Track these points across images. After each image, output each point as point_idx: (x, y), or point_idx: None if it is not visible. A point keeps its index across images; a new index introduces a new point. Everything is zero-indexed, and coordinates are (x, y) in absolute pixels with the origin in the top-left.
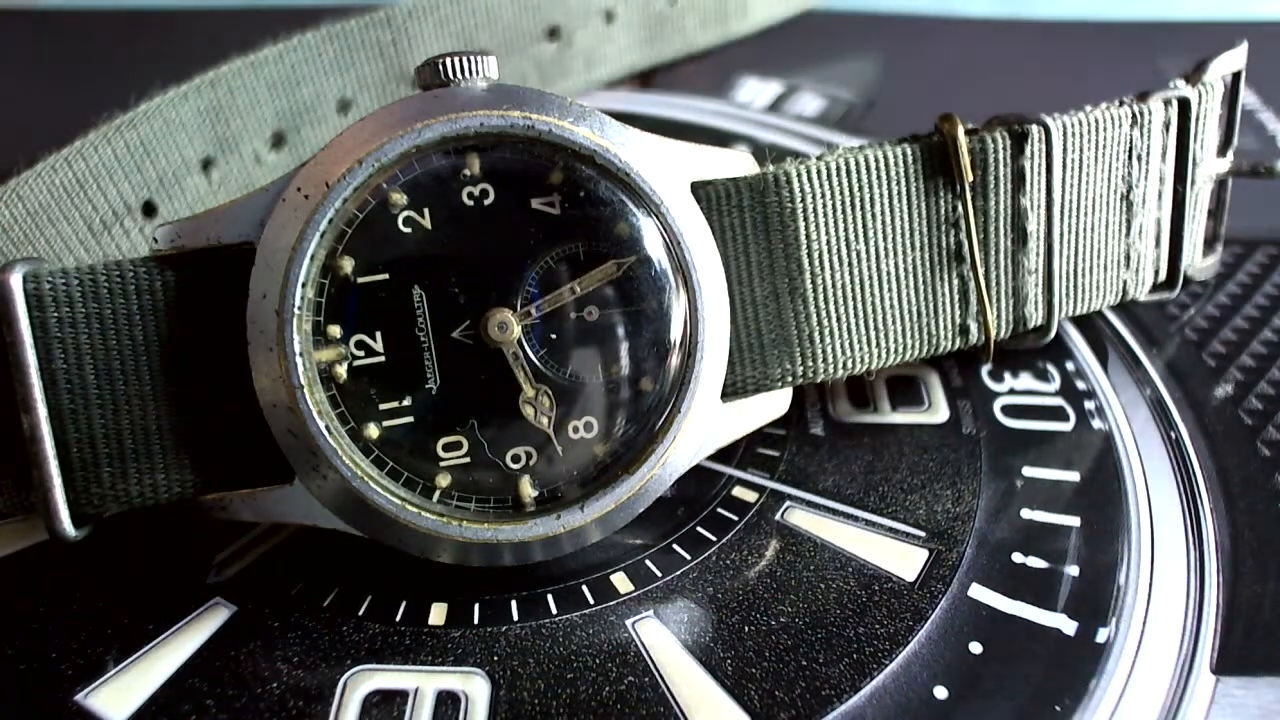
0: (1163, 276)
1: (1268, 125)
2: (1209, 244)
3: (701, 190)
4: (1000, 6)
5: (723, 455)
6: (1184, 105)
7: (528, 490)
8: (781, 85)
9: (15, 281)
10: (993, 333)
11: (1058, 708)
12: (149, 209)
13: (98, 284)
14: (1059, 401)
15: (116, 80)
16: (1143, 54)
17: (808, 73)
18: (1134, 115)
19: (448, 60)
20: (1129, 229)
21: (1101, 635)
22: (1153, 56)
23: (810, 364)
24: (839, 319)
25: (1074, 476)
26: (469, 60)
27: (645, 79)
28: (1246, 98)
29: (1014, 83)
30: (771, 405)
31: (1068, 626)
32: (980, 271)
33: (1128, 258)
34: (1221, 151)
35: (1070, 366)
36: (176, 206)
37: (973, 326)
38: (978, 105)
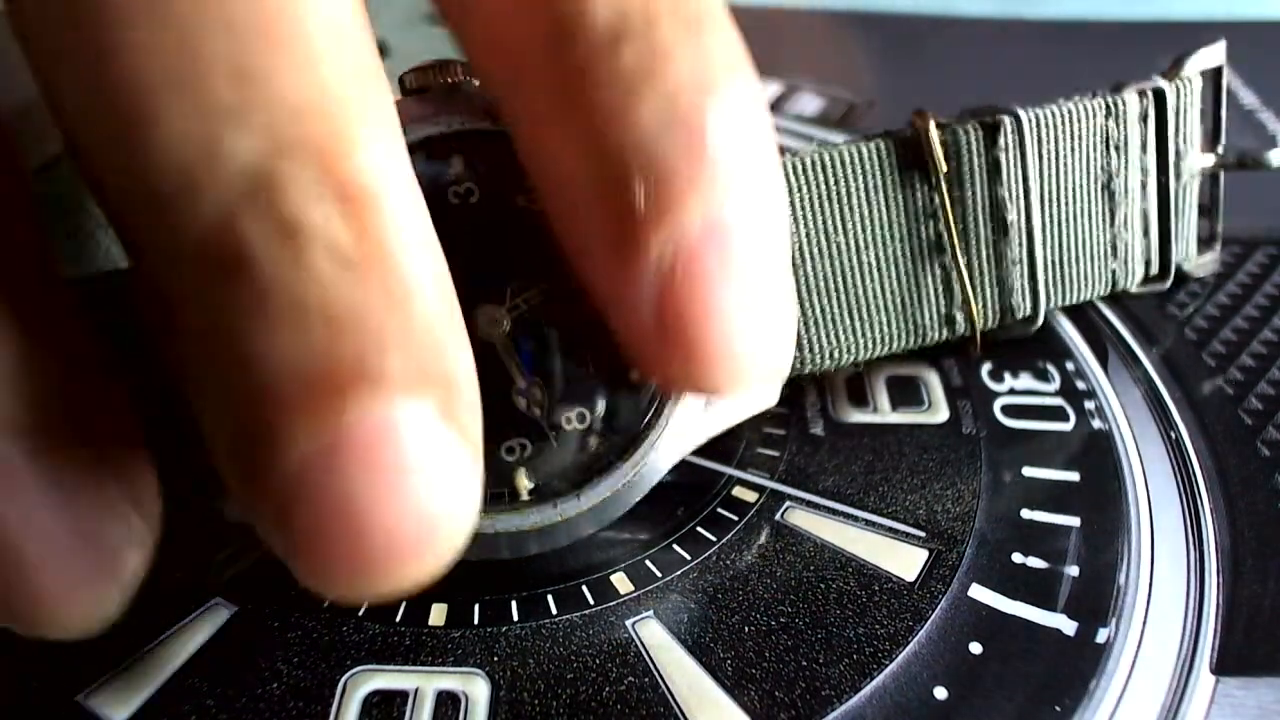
0: (1155, 269)
1: (1268, 125)
2: (1207, 241)
3: None
4: (1000, 6)
5: (723, 455)
6: (1159, 96)
7: (523, 481)
8: (781, 85)
9: None
10: (978, 322)
11: (1058, 708)
12: None
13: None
14: (1059, 401)
15: None
16: (1143, 54)
17: (808, 73)
18: (1108, 106)
19: (433, 65)
20: (1113, 219)
21: (1101, 635)
22: (1153, 56)
23: (798, 354)
24: (823, 310)
25: (1074, 476)
26: (455, 65)
27: None
28: (1246, 97)
29: (1014, 83)
30: (761, 395)
31: (1068, 626)
32: (962, 261)
33: (1114, 248)
34: (1210, 146)
35: (1070, 366)
36: None
37: (958, 316)
38: (978, 106)
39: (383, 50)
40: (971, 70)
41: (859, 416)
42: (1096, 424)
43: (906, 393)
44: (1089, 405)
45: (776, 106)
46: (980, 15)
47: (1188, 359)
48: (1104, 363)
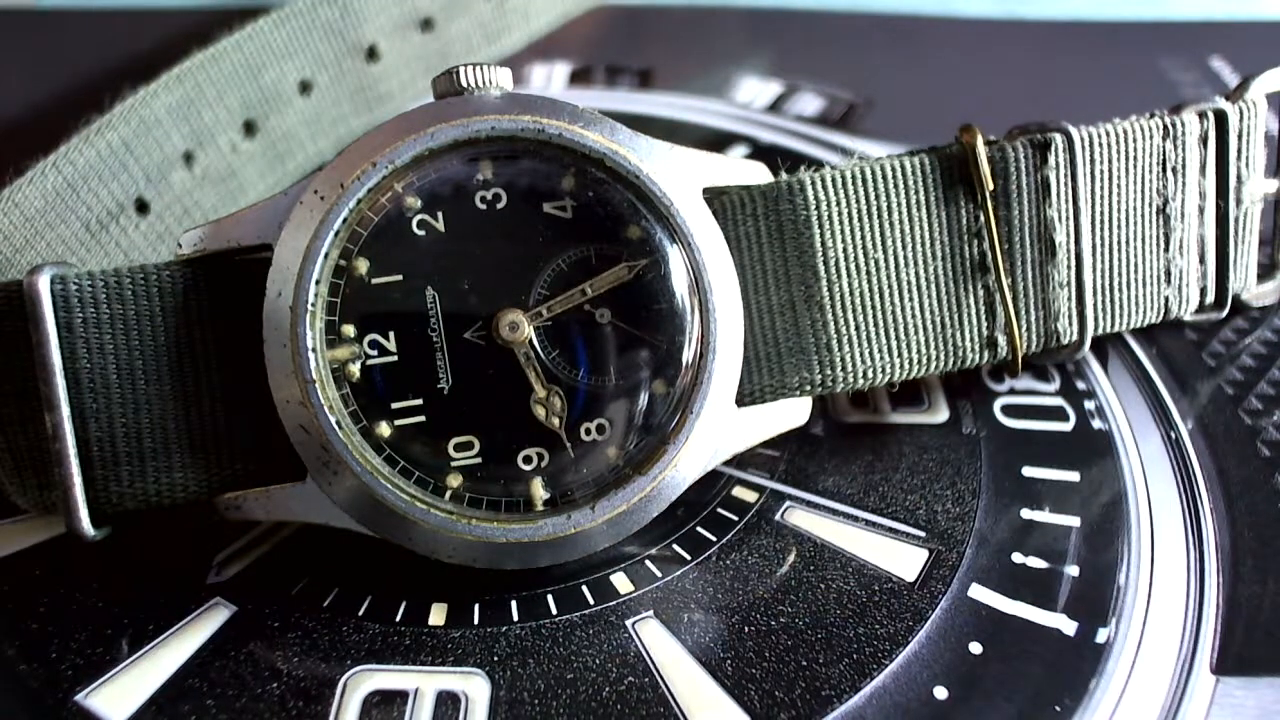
0: (1210, 297)
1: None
2: (1268, 269)
3: (714, 198)
4: (1000, 6)
5: None
6: (1220, 118)
7: (539, 491)
8: (781, 85)
9: (43, 284)
10: (1019, 346)
11: (1058, 708)
12: (141, 205)
13: (122, 286)
14: (1059, 401)
15: (83, 82)
16: (1144, 54)
17: (808, 73)
18: (1166, 127)
19: (462, 70)
20: (1167, 244)
21: (1101, 635)
22: (1154, 56)
23: (829, 373)
24: (857, 328)
25: (1074, 476)
26: (483, 70)
27: (645, 79)
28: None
29: (1014, 83)
30: (790, 414)
31: (1068, 626)
32: (1006, 283)
33: (1168, 274)
34: (1275, 172)
35: (1070, 366)
36: (167, 200)
37: (1001, 340)
38: (978, 106)
39: (373, 55)
40: (971, 70)
41: (859, 416)
42: (1096, 424)
43: (906, 393)
44: (1089, 405)
45: (776, 106)
46: (980, 15)
47: (1188, 359)
48: (1104, 363)
